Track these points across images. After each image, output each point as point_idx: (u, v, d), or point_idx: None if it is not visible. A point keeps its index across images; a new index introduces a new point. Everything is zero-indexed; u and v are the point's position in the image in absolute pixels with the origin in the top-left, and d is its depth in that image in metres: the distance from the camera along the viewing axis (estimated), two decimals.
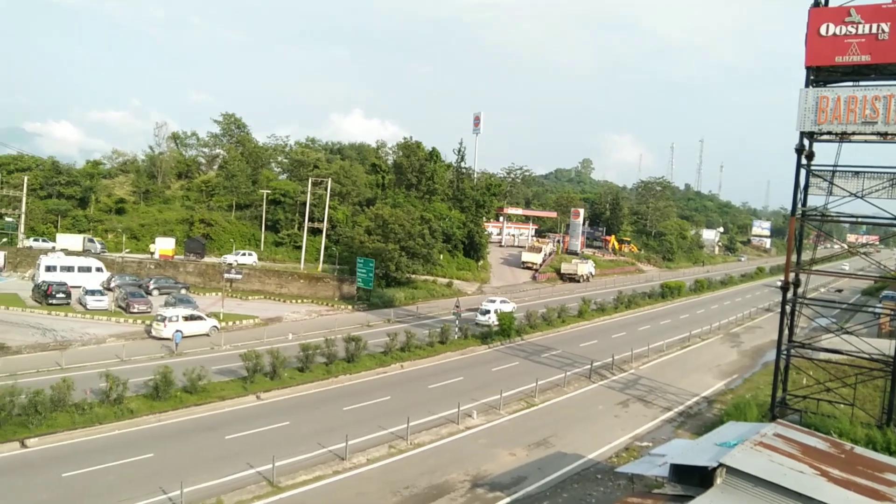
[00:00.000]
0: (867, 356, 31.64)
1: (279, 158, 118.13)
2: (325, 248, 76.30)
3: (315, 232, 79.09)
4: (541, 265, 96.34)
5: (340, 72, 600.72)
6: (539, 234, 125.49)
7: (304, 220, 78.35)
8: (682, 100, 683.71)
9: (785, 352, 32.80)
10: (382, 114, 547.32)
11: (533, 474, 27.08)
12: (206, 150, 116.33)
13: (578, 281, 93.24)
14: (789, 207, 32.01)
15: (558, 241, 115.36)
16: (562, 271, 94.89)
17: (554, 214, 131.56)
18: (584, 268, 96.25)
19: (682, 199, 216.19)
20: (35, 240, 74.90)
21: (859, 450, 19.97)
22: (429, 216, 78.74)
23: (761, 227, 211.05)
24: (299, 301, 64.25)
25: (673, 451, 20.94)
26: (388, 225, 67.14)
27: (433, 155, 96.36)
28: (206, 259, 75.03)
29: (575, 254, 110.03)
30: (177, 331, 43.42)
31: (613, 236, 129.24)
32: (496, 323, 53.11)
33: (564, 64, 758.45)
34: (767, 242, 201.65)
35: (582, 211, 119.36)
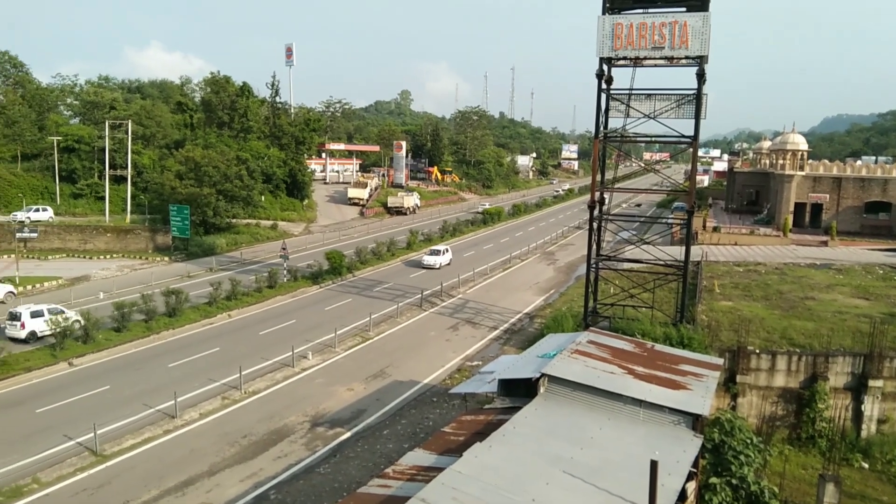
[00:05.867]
0: (662, 263, 35.35)
1: (68, 101, 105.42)
2: (133, 196, 70.34)
3: (119, 180, 72.56)
4: (368, 200, 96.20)
5: None
6: (363, 168, 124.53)
7: (104, 168, 71.37)
8: (493, 26, 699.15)
9: (594, 265, 35.66)
10: (185, 47, 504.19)
11: (372, 406, 27.69)
12: None
13: (405, 213, 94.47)
14: (593, 131, 34.27)
15: (383, 175, 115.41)
16: (389, 205, 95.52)
17: (377, 148, 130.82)
18: (410, 200, 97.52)
19: (497, 127, 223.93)
20: None
21: (659, 347, 22.43)
22: (245, 156, 74.99)
23: (570, 151, 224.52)
24: (108, 256, 59.20)
25: (500, 367, 22.27)
26: (202, 168, 63.12)
27: (244, 90, 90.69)
28: None
29: (400, 187, 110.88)
30: None
31: (436, 167, 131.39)
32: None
33: None
34: (575, 164, 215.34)
35: (404, 143, 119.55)
